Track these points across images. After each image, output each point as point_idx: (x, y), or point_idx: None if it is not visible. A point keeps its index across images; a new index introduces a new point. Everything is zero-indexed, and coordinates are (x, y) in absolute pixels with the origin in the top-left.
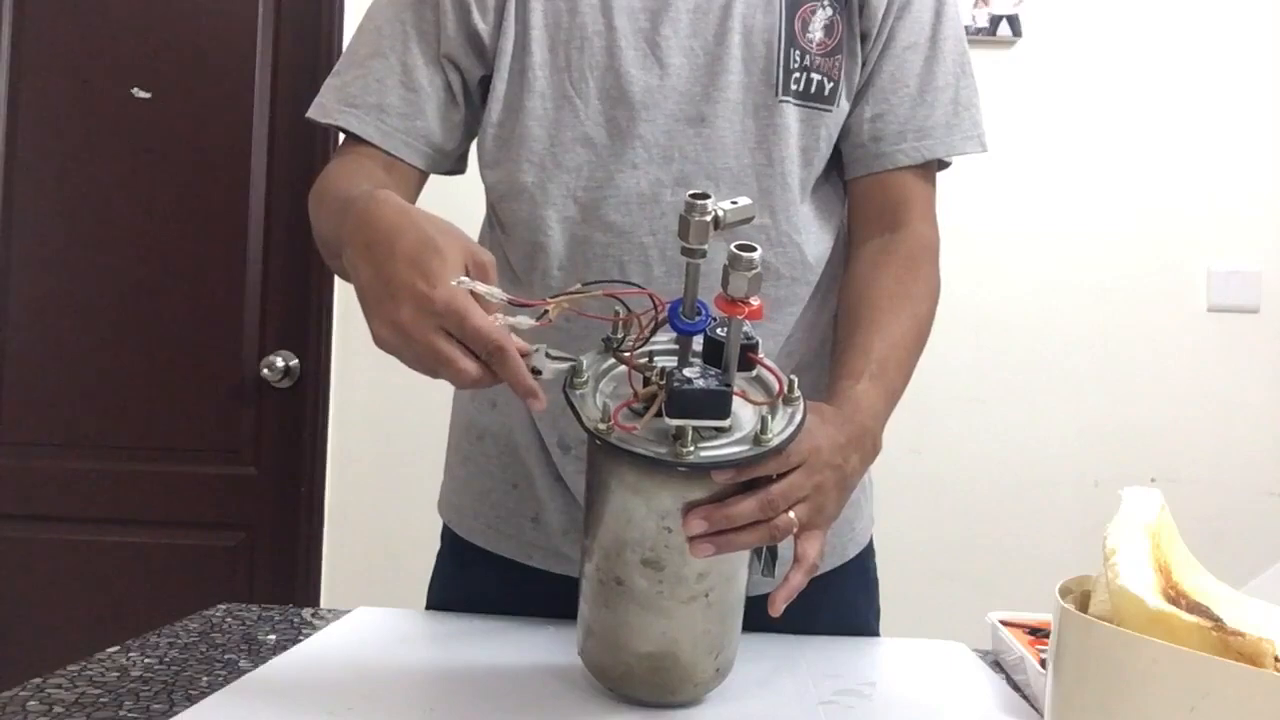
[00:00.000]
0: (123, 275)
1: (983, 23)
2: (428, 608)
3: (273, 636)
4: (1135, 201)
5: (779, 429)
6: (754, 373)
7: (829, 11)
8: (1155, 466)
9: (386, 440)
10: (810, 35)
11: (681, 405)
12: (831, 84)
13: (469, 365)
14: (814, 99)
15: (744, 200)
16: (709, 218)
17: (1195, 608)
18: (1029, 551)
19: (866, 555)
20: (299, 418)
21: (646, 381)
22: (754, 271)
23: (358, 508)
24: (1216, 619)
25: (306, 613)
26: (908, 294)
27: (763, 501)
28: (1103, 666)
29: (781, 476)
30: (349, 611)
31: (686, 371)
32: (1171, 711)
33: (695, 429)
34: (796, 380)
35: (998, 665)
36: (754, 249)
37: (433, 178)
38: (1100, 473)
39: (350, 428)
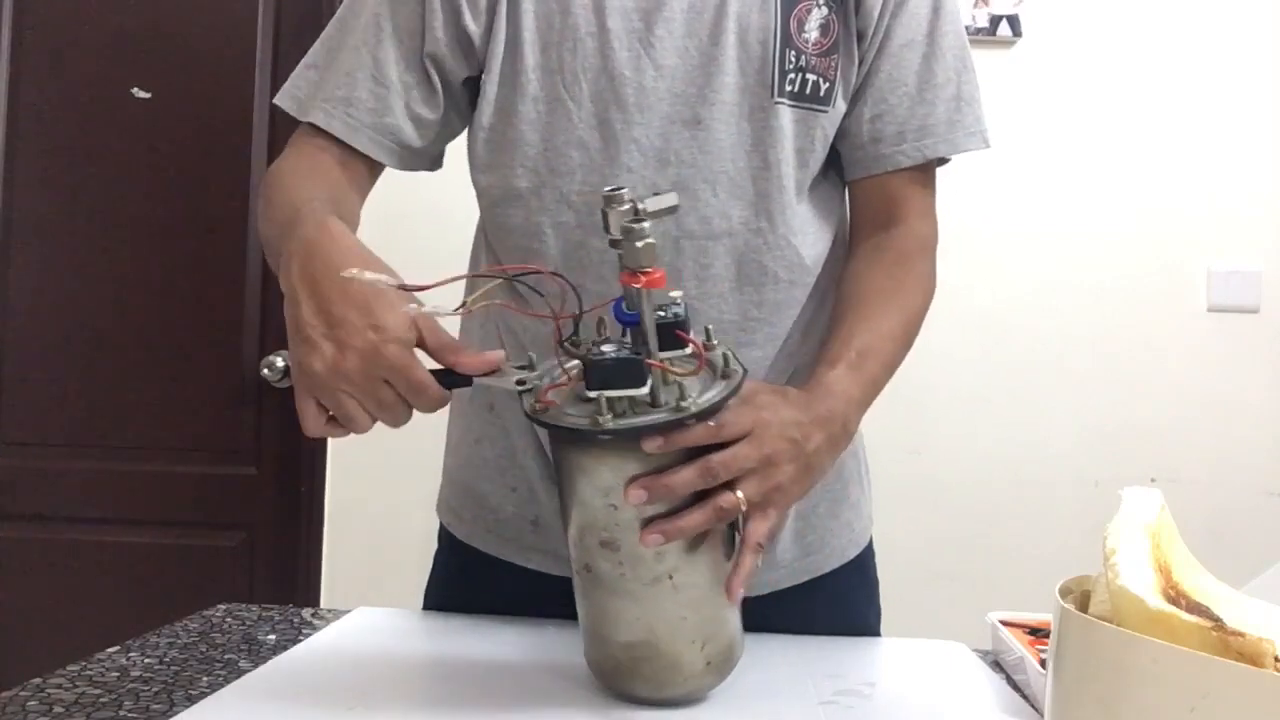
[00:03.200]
0: (122, 275)
1: (983, 23)
2: (425, 610)
3: (272, 636)
4: (1135, 201)
5: (706, 397)
6: (688, 350)
7: (825, 10)
8: (1155, 466)
9: (386, 440)
10: (806, 35)
11: (597, 377)
12: (827, 84)
13: (406, 412)
14: (809, 100)
15: (668, 194)
16: (626, 207)
17: (1195, 608)
18: (1029, 551)
19: (866, 555)
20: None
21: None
22: (645, 241)
23: (358, 508)
24: (1217, 619)
25: (306, 613)
26: (899, 288)
27: (701, 468)
28: (1103, 666)
29: (726, 448)
30: (349, 612)
31: (604, 347)
32: (1171, 711)
33: (620, 400)
34: (733, 355)
35: (998, 665)
36: (643, 221)
37: (425, 180)
38: (1100, 473)
39: None
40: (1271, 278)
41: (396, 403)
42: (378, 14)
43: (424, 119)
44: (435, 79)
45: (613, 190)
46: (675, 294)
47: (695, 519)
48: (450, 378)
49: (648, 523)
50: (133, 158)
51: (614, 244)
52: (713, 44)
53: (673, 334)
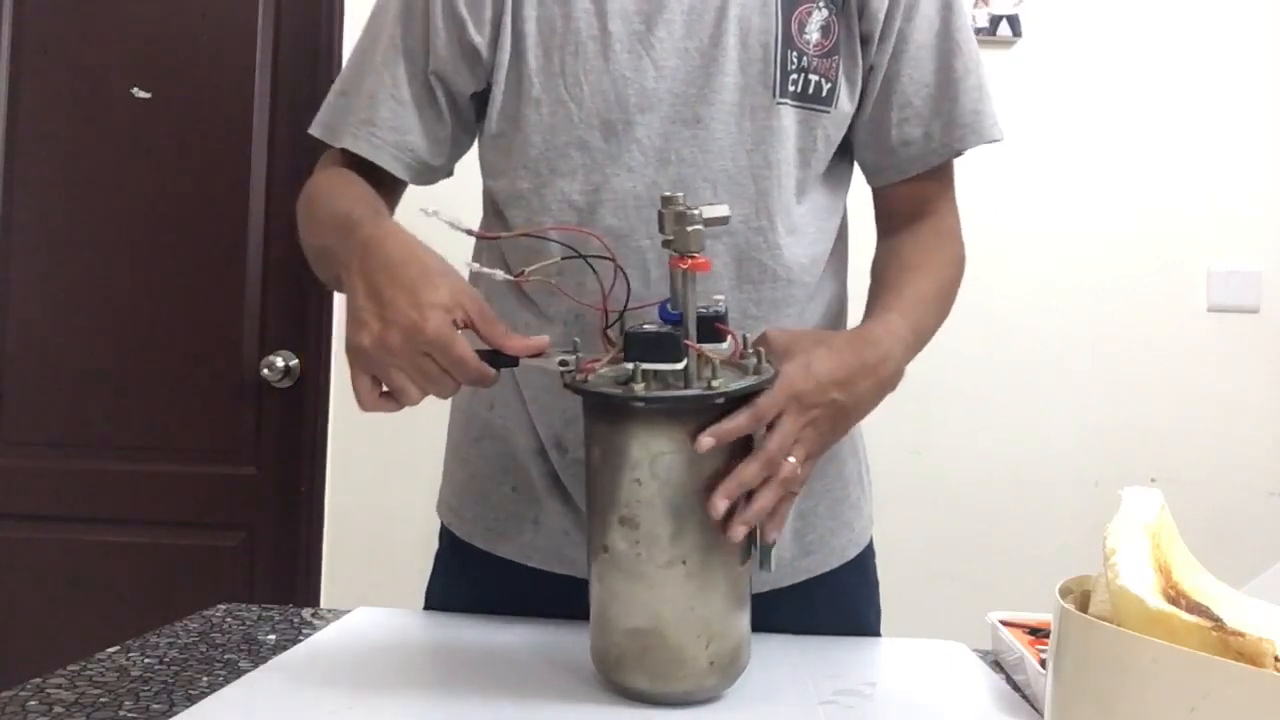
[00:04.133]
0: (123, 275)
1: (983, 22)
2: (426, 609)
3: (272, 636)
4: (1135, 201)
5: (738, 384)
6: (725, 344)
7: (825, 13)
8: (1155, 466)
9: (386, 440)
10: (807, 36)
11: (635, 347)
12: (829, 85)
13: (451, 384)
14: (811, 100)
15: (721, 205)
16: (681, 208)
17: (1195, 608)
18: (1028, 551)
19: (866, 556)
20: (299, 418)
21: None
22: (695, 227)
23: (357, 508)
24: (1217, 619)
25: (306, 613)
26: (930, 260)
27: (764, 463)
28: (1103, 666)
29: (769, 431)
30: (349, 611)
31: (645, 325)
32: (1171, 712)
33: (654, 378)
34: (765, 357)
35: (998, 665)
36: (696, 209)
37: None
38: (1100, 473)
39: (350, 427)
40: (1271, 278)
41: (441, 375)
42: (393, 35)
43: (437, 135)
44: (440, 96)
45: (670, 194)
46: (718, 296)
47: (768, 498)
48: (497, 358)
49: (726, 519)
50: (133, 158)
51: (666, 243)
52: (713, 45)
53: (712, 326)
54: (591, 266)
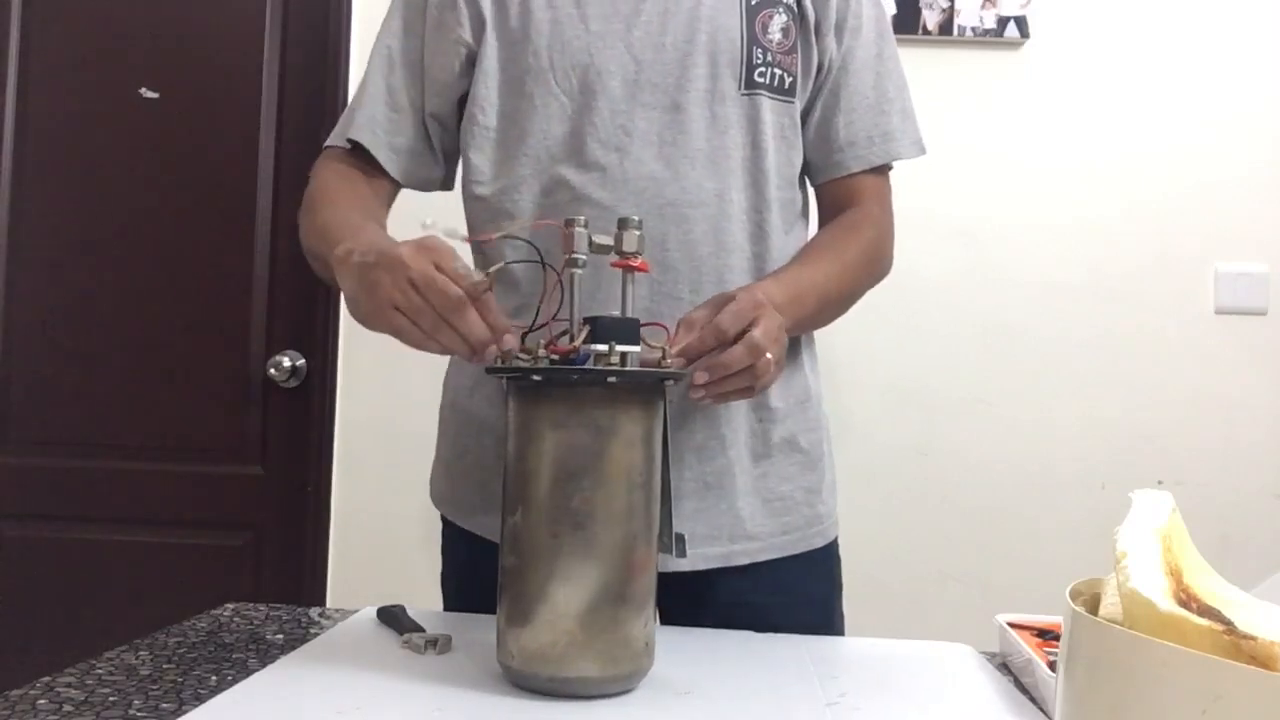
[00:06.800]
0: (130, 274)
1: (990, 24)
2: (447, 608)
3: (280, 636)
4: (1142, 203)
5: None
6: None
7: (784, 18)
8: (1162, 469)
9: (393, 440)
10: (770, 36)
11: (601, 331)
12: (791, 78)
13: (433, 315)
14: (777, 90)
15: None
16: (583, 228)
17: (1207, 611)
18: (1035, 553)
19: (833, 557)
20: (306, 418)
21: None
22: (639, 233)
23: (364, 507)
24: (1228, 622)
25: (314, 612)
26: (840, 244)
27: (748, 347)
28: (1114, 670)
29: (751, 327)
30: (356, 611)
31: (601, 317)
32: (1183, 715)
33: (610, 359)
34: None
35: (1005, 667)
36: (639, 220)
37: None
38: (1107, 475)
39: (357, 427)
40: (1279, 280)
41: (418, 298)
42: (389, 46)
43: (427, 155)
44: (435, 131)
45: (625, 217)
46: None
47: (741, 381)
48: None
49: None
50: (140, 157)
51: (603, 249)
52: (687, 41)
53: (639, 324)
54: (554, 269)
